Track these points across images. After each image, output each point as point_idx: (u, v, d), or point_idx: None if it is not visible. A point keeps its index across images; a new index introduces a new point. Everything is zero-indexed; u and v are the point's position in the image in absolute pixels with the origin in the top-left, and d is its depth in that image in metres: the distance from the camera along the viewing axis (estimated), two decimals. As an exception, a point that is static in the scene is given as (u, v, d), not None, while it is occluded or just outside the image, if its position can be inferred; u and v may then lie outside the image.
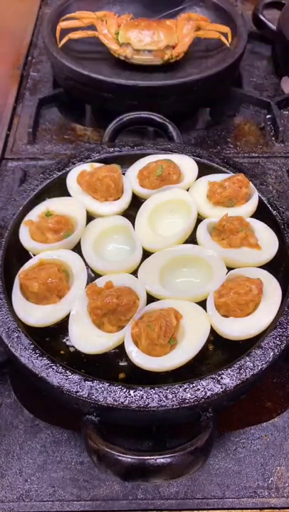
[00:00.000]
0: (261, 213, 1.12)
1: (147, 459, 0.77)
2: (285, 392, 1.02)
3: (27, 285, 0.96)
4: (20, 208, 1.12)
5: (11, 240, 1.07)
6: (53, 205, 1.12)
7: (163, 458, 0.77)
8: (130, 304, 0.94)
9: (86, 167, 1.18)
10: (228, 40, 1.59)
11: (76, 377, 0.86)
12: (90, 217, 1.12)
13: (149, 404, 0.83)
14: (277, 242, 1.05)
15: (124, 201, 1.15)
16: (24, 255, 1.08)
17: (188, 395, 0.84)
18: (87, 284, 1.00)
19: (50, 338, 0.97)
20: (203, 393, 0.84)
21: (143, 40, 1.53)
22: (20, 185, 1.29)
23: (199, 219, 1.11)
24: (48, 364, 0.88)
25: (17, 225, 1.09)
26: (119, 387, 0.85)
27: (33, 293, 0.96)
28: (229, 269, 1.02)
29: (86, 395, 0.84)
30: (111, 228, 1.11)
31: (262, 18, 1.81)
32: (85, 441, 0.82)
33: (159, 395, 0.84)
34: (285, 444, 0.95)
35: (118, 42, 1.57)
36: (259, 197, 1.13)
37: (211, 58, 1.62)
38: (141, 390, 0.84)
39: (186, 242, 1.09)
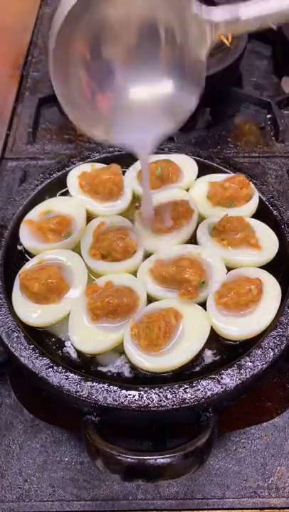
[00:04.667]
0: (261, 213, 1.12)
1: (147, 459, 0.77)
2: (286, 392, 1.02)
3: (27, 285, 0.96)
4: (20, 208, 1.12)
5: (11, 239, 1.07)
6: (53, 205, 1.12)
7: (163, 458, 0.77)
8: (130, 304, 0.94)
9: (86, 167, 1.18)
10: (228, 40, 1.59)
11: (76, 377, 0.86)
12: (90, 217, 1.12)
13: (149, 404, 0.83)
14: (277, 242, 1.05)
15: (124, 201, 1.15)
16: (24, 255, 1.08)
17: (189, 395, 0.84)
18: (87, 284, 1.00)
19: (50, 338, 0.97)
20: (203, 393, 0.84)
21: (143, 39, 1.53)
22: (20, 185, 1.29)
23: (199, 219, 1.11)
24: (48, 364, 0.88)
25: (17, 225, 1.09)
26: (119, 387, 0.85)
27: (33, 293, 0.96)
28: (229, 269, 1.02)
29: (86, 395, 0.84)
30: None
31: (262, 17, 1.80)
32: (85, 442, 0.82)
33: (159, 395, 0.84)
34: (285, 444, 0.95)
35: (118, 42, 1.57)
36: (259, 197, 1.13)
37: (211, 58, 1.62)
38: (141, 390, 0.84)
39: (187, 242, 1.09)
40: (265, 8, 0.78)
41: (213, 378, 0.85)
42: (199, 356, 0.92)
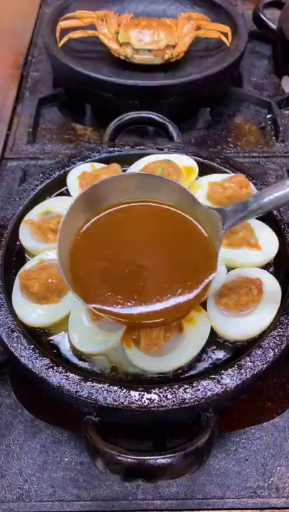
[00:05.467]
0: (261, 213, 1.12)
1: (147, 459, 0.77)
2: (286, 392, 1.02)
3: (27, 285, 0.96)
4: (20, 208, 1.12)
5: (11, 239, 1.07)
6: (53, 205, 1.12)
7: (163, 458, 0.77)
8: (130, 304, 0.94)
9: (86, 167, 1.18)
10: (228, 40, 1.59)
11: (76, 377, 0.86)
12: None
13: (149, 404, 0.83)
14: (277, 242, 1.05)
15: (124, 201, 1.15)
16: (24, 255, 1.08)
17: (189, 395, 0.83)
18: (87, 284, 1.00)
19: (50, 338, 0.97)
20: (203, 393, 0.84)
21: (143, 39, 1.53)
22: (20, 185, 1.29)
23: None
24: (48, 364, 0.87)
25: (17, 225, 1.09)
26: (119, 387, 0.85)
27: (33, 293, 0.96)
28: (229, 269, 1.02)
29: (86, 395, 0.84)
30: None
31: (262, 17, 1.80)
32: (85, 442, 0.82)
33: (159, 395, 0.83)
34: (285, 444, 0.95)
35: (118, 41, 1.57)
36: (259, 197, 1.13)
37: (211, 58, 1.62)
38: (141, 390, 0.84)
39: (186, 242, 1.09)
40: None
41: (213, 378, 0.85)
42: (199, 356, 0.92)
